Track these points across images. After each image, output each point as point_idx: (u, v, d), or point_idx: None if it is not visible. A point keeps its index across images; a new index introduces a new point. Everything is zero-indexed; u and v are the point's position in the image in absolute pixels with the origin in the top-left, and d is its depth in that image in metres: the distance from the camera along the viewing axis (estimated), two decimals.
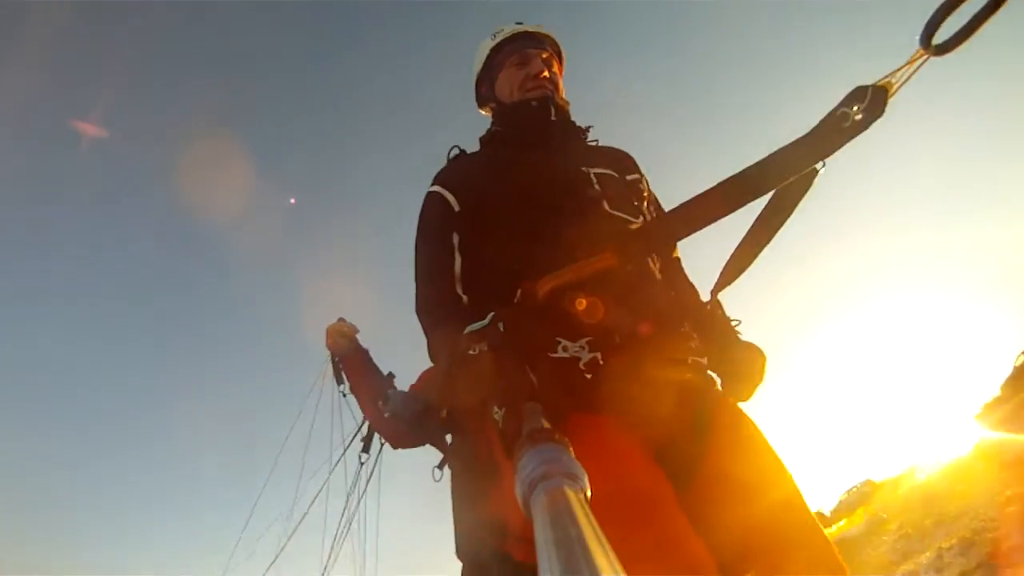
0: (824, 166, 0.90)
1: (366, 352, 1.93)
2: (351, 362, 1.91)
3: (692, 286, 1.29)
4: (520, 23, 1.40)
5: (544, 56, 1.36)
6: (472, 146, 1.37)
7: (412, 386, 1.82)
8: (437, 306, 1.16)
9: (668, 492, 0.86)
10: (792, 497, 0.90)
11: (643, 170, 1.35)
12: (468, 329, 1.01)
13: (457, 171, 1.27)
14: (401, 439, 1.84)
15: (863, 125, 0.83)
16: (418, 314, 1.19)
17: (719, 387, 1.09)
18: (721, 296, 1.18)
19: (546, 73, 1.33)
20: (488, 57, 1.40)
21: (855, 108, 0.83)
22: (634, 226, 1.14)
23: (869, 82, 0.83)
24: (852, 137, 0.85)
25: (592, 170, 1.20)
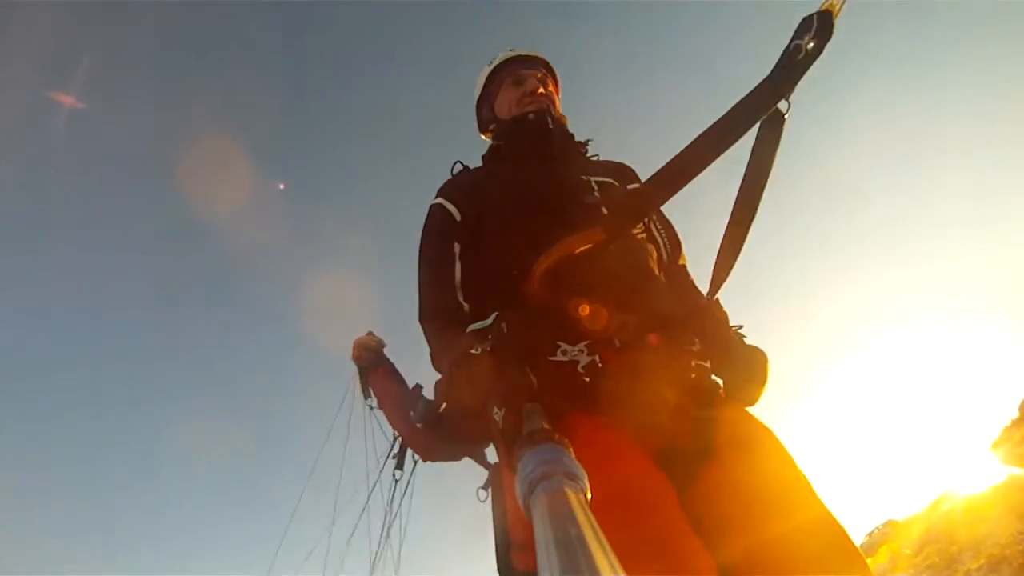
0: (789, 108, 0.90)
1: (392, 364, 1.92)
2: (376, 375, 1.90)
3: (697, 291, 1.29)
4: (513, 49, 1.51)
5: (539, 76, 1.45)
6: (474, 159, 1.43)
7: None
8: (439, 313, 1.18)
9: (669, 494, 0.84)
10: (807, 499, 0.87)
11: (643, 180, 1.37)
12: (471, 328, 1.02)
13: (459, 184, 1.32)
14: (431, 452, 1.83)
15: (816, 51, 0.85)
16: (421, 321, 1.22)
17: (723, 391, 1.07)
18: (729, 309, 1.17)
19: (541, 90, 1.41)
20: (486, 83, 1.50)
21: (806, 38, 0.85)
22: (635, 232, 1.17)
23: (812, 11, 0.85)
24: (809, 65, 0.86)
25: (592, 178, 1.24)
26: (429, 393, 1.80)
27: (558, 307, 0.98)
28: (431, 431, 1.72)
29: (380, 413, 1.94)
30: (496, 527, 1.53)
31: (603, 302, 0.99)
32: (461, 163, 1.39)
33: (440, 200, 1.27)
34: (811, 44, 0.85)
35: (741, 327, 1.15)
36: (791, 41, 0.86)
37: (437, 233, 1.25)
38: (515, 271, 1.03)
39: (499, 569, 1.47)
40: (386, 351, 1.93)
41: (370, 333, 1.95)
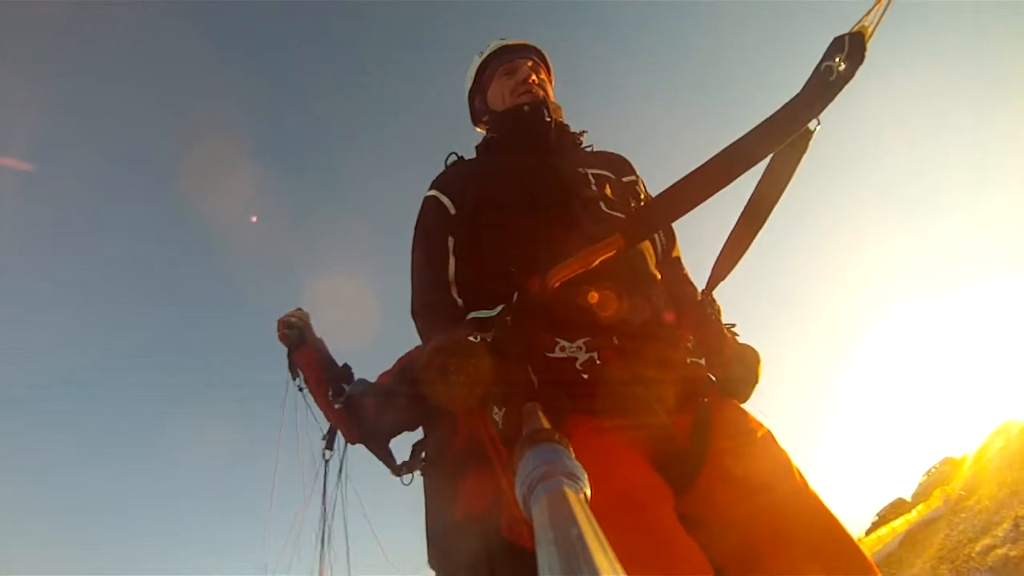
0: (819, 124, 0.90)
1: (320, 342, 1.84)
2: (301, 354, 1.81)
3: (692, 286, 1.28)
4: (503, 39, 1.47)
5: (530, 64, 1.42)
6: (467, 151, 1.39)
7: (380, 376, 1.79)
8: (433, 308, 1.16)
9: (664, 496, 0.85)
10: (803, 495, 0.88)
11: (639, 172, 1.36)
12: (472, 315, 1.01)
13: (454, 176, 1.29)
14: (353, 435, 1.77)
15: (849, 74, 0.84)
16: (413, 316, 1.20)
17: (718, 388, 1.07)
18: (738, 289, 1.15)
19: (534, 78, 1.38)
20: (477, 73, 1.47)
21: (837, 59, 0.84)
22: None
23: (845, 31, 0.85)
24: (841, 87, 0.85)
25: (589, 171, 1.21)
26: (359, 372, 1.79)
27: (560, 301, 0.97)
28: (348, 412, 1.68)
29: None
30: (430, 516, 1.50)
31: (609, 291, 0.98)
32: (456, 154, 1.35)
33: (434, 192, 1.24)
34: (843, 66, 0.83)
35: (734, 325, 1.15)
36: (822, 62, 0.85)
37: (431, 226, 1.22)
38: (514, 267, 1.02)
39: (432, 559, 1.45)
40: (315, 327, 1.83)
41: (298, 309, 1.87)
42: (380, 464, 1.78)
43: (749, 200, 0.99)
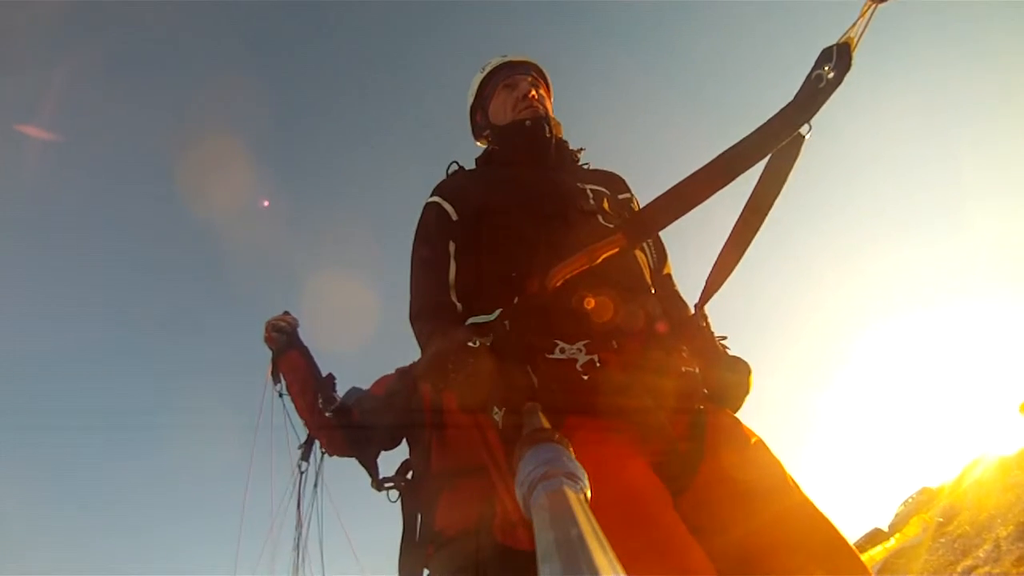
0: (810, 130, 0.95)
1: (306, 349, 1.80)
2: (287, 359, 1.77)
3: (683, 302, 1.32)
4: (505, 55, 1.53)
5: (530, 80, 1.47)
6: (469, 163, 1.43)
7: (370, 389, 1.77)
8: (432, 312, 1.16)
9: (664, 497, 0.86)
10: (799, 500, 0.89)
11: (633, 191, 1.41)
12: (471, 320, 1.02)
13: (456, 184, 1.31)
14: (336, 445, 1.75)
15: (837, 81, 0.90)
16: (412, 320, 1.20)
17: (711, 398, 1.09)
18: (733, 309, 1.18)
19: (533, 93, 1.42)
20: (479, 88, 1.51)
21: (826, 68, 0.90)
22: None
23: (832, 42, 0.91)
24: (830, 94, 0.91)
25: (588, 187, 1.25)
26: (344, 384, 1.78)
27: (558, 305, 0.98)
28: (337, 422, 1.67)
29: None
30: (409, 531, 1.50)
31: (605, 297, 1.00)
32: (457, 163, 1.38)
33: (436, 199, 1.26)
34: (831, 74, 0.90)
35: (725, 338, 1.18)
36: (812, 71, 0.91)
37: (433, 231, 1.23)
38: (514, 273, 1.03)
39: (406, 571, 1.45)
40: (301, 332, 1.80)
41: (286, 313, 1.84)
42: (354, 472, 1.77)
43: (745, 205, 1.02)
